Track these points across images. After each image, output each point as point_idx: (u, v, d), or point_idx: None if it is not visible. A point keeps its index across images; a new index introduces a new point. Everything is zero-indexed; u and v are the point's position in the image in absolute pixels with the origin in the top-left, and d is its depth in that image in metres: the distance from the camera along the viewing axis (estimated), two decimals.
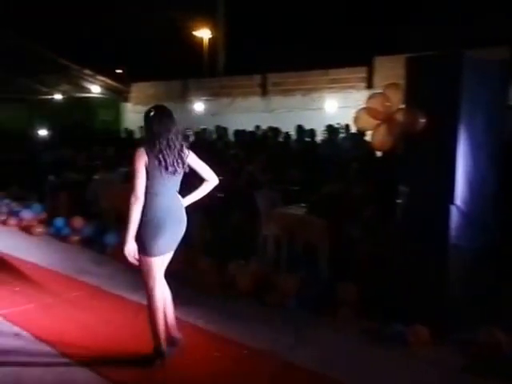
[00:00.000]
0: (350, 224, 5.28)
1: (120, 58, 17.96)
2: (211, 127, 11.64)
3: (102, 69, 15.82)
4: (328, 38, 16.89)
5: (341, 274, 4.96)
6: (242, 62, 16.64)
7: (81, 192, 8.10)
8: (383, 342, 4.03)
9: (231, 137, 10.79)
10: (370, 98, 4.52)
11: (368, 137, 5.35)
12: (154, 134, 3.38)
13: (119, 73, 18.03)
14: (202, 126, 11.83)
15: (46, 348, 3.80)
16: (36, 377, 3.40)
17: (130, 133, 12.72)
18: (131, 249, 3.42)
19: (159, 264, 3.53)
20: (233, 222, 6.30)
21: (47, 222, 7.69)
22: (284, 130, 9.94)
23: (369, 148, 6.07)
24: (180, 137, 3.51)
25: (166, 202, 3.43)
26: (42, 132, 14.50)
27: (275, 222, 5.71)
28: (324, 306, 4.62)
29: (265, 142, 9.75)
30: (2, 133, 15.74)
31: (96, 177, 8.15)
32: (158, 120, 3.42)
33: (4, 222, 8.05)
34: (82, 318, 4.38)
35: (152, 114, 3.46)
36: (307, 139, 9.36)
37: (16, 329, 4.14)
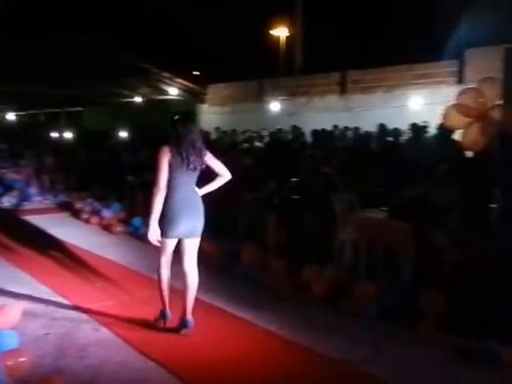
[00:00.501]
0: (435, 230, 5.03)
1: (197, 59, 18.43)
2: (287, 127, 11.62)
3: (179, 71, 16.28)
4: (411, 31, 16.34)
5: (425, 283, 4.71)
6: (319, 59, 16.47)
7: None
8: (473, 361, 3.72)
9: (308, 137, 10.71)
10: (461, 93, 4.28)
11: (457, 136, 5.08)
12: (179, 135, 3.95)
13: (196, 75, 18.47)
14: (278, 126, 11.84)
15: (123, 344, 3.94)
16: (112, 372, 3.52)
17: (204, 134, 12.96)
18: (154, 232, 3.99)
19: (170, 243, 4.11)
20: (308, 224, 6.22)
21: (126, 221, 8.01)
22: (364, 129, 9.71)
23: (458, 148, 5.76)
24: (200, 138, 4.06)
25: (183, 194, 3.98)
26: (123, 134, 15.20)
27: (353, 226, 5.56)
28: (405, 317, 4.40)
29: (343, 141, 9.57)
30: (87, 135, 16.75)
31: None
32: (182, 123, 4.00)
33: (87, 221, 8.50)
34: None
35: (177, 118, 4.03)
36: (389, 139, 9.07)
37: (95, 324, 4.34)
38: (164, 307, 4.26)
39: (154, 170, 3.99)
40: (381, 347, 4.01)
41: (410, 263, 5.02)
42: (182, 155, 3.89)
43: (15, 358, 3.46)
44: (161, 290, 4.26)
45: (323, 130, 10.46)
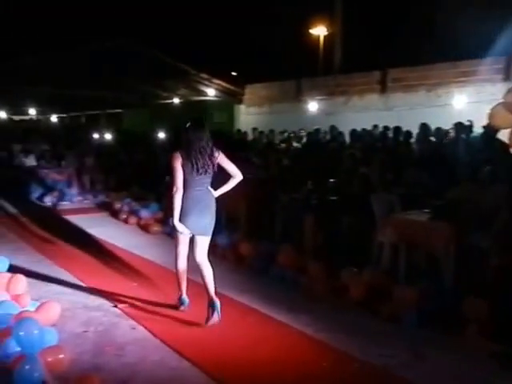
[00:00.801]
0: (479, 232, 4.88)
1: (235, 60, 18.53)
2: (326, 127, 11.52)
3: (217, 72, 16.40)
4: (453, 28, 15.95)
5: (468, 288, 4.58)
6: (358, 58, 16.29)
7: None
8: None
9: (346, 137, 10.60)
10: (509, 91, 4.11)
11: (503, 135, 4.90)
12: (189, 141, 4.27)
13: (234, 75, 18.57)
14: (316, 127, 11.76)
15: (160, 343, 4.00)
16: (149, 371, 3.58)
17: (242, 134, 13.01)
18: (179, 226, 4.38)
19: (183, 240, 4.53)
20: (346, 226, 6.15)
21: (163, 221, 8.12)
22: (405, 128, 9.52)
23: (504, 148, 5.57)
24: (211, 143, 4.33)
25: (194, 195, 4.32)
26: (161, 135, 15.42)
27: (393, 228, 5.44)
28: (446, 323, 4.29)
29: (383, 141, 9.42)
30: (126, 136, 17.09)
31: None
32: (192, 130, 4.29)
33: (125, 221, 8.66)
34: (192, 317, 4.52)
35: (188, 125, 4.34)
36: (432, 138, 8.88)
37: (132, 322, 4.42)
38: (181, 294, 4.70)
39: (170, 173, 4.41)
40: (420, 353, 3.93)
41: (451, 267, 4.90)
42: (192, 161, 4.24)
43: (55, 355, 3.55)
44: (178, 279, 4.68)
45: (363, 129, 10.33)
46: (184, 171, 4.26)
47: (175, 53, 15.17)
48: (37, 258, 6.41)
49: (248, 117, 16.60)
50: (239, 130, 13.63)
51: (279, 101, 15.29)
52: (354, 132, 10.25)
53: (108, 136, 16.22)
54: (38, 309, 4.20)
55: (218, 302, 4.36)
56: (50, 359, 3.47)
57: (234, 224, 7.38)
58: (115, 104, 21.56)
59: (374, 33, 18.88)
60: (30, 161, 11.72)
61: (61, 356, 3.58)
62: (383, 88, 13.40)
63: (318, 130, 11.32)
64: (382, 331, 4.34)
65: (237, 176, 4.53)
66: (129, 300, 4.94)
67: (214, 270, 4.55)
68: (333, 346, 4.01)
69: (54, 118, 27.14)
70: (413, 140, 9.25)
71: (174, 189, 4.29)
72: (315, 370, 3.65)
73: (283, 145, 11.28)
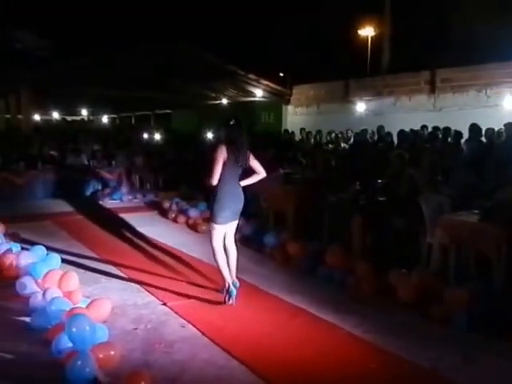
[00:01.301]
0: None
1: (283, 61, 18.48)
2: (374, 128, 11.33)
3: (265, 73, 16.39)
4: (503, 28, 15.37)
5: None
6: (407, 58, 15.94)
7: (243, 192, 8.44)
8: None
9: (394, 137, 10.36)
10: None
11: None
12: (234, 137, 4.68)
13: (281, 76, 18.52)
14: (363, 127, 11.58)
15: (208, 342, 3.99)
16: (198, 369, 3.57)
17: (289, 135, 12.95)
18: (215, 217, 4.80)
19: (221, 230, 4.83)
20: (394, 227, 6.00)
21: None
22: (453, 129, 9.25)
23: None
24: (247, 141, 4.74)
25: (230, 187, 4.70)
26: (209, 135, 15.56)
27: (442, 230, 5.27)
28: (498, 326, 4.13)
29: (433, 142, 9.16)
30: (175, 136, 17.35)
31: None
32: (236, 128, 4.75)
33: (174, 219, 8.75)
34: (241, 316, 4.52)
35: (232, 122, 4.75)
36: (482, 139, 8.57)
37: (181, 320, 4.43)
38: (228, 284, 4.81)
39: (209, 164, 4.68)
40: (471, 356, 3.80)
41: (503, 268, 4.69)
42: (235, 154, 4.62)
43: (106, 351, 3.60)
44: (219, 268, 4.88)
45: (411, 130, 10.08)
46: (225, 164, 4.60)
47: (224, 54, 15.25)
48: (87, 256, 6.52)
49: (295, 117, 16.55)
50: (287, 130, 13.56)
51: (327, 101, 15.18)
52: (401, 132, 10.00)
53: (157, 136, 16.50)
54: (89, 305, 4.27)
55: (237, 283, 4.83)
56: (101, 355, 3.51)
57: (281, 224, 7.34)
58: (164, 104, 21.94)
59: (422, 33, 18.42)
60: (82, 160, 12.01)
61: (112, 352, 3.62)
62: (432, 88, 13.11)
63: (364, 131, 11.14)
64: (431, 333, 4.21)
65: (261, 173, 4.97)
66: (177, 298, 4.96)
67: (261, 269, 4.53)
68: (381, 348, 3.92)
69: (104, 119, 27.94)
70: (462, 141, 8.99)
71: (210, 180, 4.64)
72: (363, 371, 3.58)
73: (331, 145, 11.15)
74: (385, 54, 16.62)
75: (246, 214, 7.65)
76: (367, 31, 18.85)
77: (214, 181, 4.63)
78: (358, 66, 17.95)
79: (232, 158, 4.61)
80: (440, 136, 9.41)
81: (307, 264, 5.86)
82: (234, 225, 4.94)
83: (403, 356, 3.77)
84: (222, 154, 4.58)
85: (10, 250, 5.66)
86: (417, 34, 18.38)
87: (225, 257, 4.89)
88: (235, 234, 5.07)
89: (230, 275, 4.85)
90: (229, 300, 4.76)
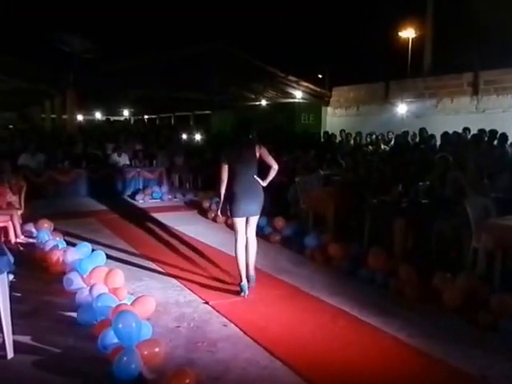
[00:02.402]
0: None
1: (323, 63, 18.37)
2: (415, 129, 11.10)
3: (305, 74, 16.33)
4: None
5: None
6: (449, 60, 15.59)
7: (282, 193, 8.42)
8: None
9: (436, 139, 10.14)
10: None
11: None
12: (237, 136, 5.16)
13: (321, 78, 18.43)
14: (405, 129, 11.38)
15: (250, 342, 3.98)
16: (241, 368, 3.56)
17: (329, 136, 12.83)
18: (222, 211, 5.30)
19: (239, 222, 5.09)
20: (437, 230, 5.86)
21: None
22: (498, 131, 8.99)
23: None
24: (255, 139, 5.13)
25: (241, 183, 4.98)
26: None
27: (488, 234, 5.11)
28: None
29: (477, 144, 8.91)
30: (214, 136, 17.46)
31: (296, 179, 8.40)
32: (239, 127, 5.18)
33: (214, 219, 8.79)
34: (282, 316, 4.49)
35: (237, 125, 5.22)
36: None
37: (223, 320, 4.43)
38: (241, 281, 5.04)
39: (218, 165, 5.20)
40: None
41: None
42: (238, 153, 4.99)
43: (151, 348, 3.62)
44: (237, 262, 5.08)
45: (455, 132, 9.83)
46: (230, 164, 5.00)
47: (264, 56, 15.27)
48: (130, 253, 6.62)
49: (334, 118, 16.43)
50: (326, 132, 13.45)
51: (367, 103, 15.00)
52: (445, 135, 9.77)
53: (197, 136, 16.64)
54: (134, 302, 4.32)
55: (254, 276, 5.13)
56: (146, 352, 3.54)
57: (320, 225, 7.28)
58: (204, 105, 22.13)
59: (465, 34, 17.97)
60: (124, 160, 12.21)
61: (156, 349, 3.64)
62: (475, 90, 12.77)
63: (406, 133, 10.92)
64: (478, 339, 4.08)
65: (273, 166, 5.13)
66: (219, 297, 4.97)
67: (301, 270, 4.49)
68: (425, 352, 3.82)
69: (145, 119, 28.41)
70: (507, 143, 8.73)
71: (219, 180, 5.08)
72: (406, 375, 3.51)
73: (371, 147, 11.00)
74: (426, 55, 16.29)
75: (285, 215, 7.79)
76: (408, 33, 18.54)
77: (223, 180, 5.04)
78: (398, 68, 17.67)
79: (236, 157, 4.99)
80: (485, 138, 9.13)
81: (348, 266, 5.78)
82: (253, 220, 5.14)
83: (449, 362, 3.67)
84: (224, 158, 5.04)
85: (56, 247, 5.81)
86: (459, 35, 17.94)
87: (244, 253, 5.09)
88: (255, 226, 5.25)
89: (245, 271, 5.07)
90: (240, 293, 5.00)
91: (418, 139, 10.62)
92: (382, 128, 12.29)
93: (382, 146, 10.93)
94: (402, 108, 13.60)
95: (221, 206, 5.28)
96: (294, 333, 4.13)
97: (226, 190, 5.06)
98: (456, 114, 12.51)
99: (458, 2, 17.94)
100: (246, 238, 5.12)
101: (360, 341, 4.00)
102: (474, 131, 9.75)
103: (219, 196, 5.19)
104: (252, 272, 5.13)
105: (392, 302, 4.83)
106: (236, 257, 5.08)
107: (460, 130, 10.11)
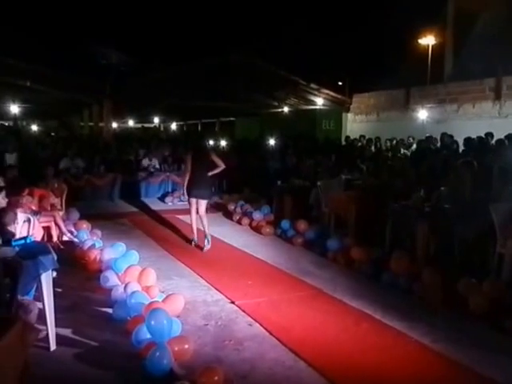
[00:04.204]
0: None
1: (343, 70, 18.27)
2: (435, 135, 10.90)
3: (325, 82, 16.25)
4: None
5: None
6: (470, 66, 15.27)
7: (304, 197, 8.37)
8: None
9: (458, 144, 9.91)
10: None
11: None
12: (194, 143, 8.05)
13: (341, 85, 18.32)
14: (424, 134, 11.18)
15: (276, 342, 3.93)
16: (267, 368, 3.52)
17: (351, 142, 12.71)
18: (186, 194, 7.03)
19: (192, 202, 6.99)
20: (460, 235, 5.71)
21: (274, 223, 8.12)
22: None
23: None
24: (208, 145, 7.83)
25: (196, 175, 6.88)
26: (271, 141, 15.56)
27: None
28: None
29: (499, 150, 8.68)
30: (238, 142, 17.49)
31: (318, 183, 8.33)
32: (198, 137, 8.52)
33: (239, 221, 8.77)
34: (306, 318, 4.43)
35: (198, 135, 9.00)
36: None
37: (249, 319, 4.40)
38: (193, 237, 7.10)
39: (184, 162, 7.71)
40: None
41: None
42: (196, 155, 6.96)
43: (180, 345, 3.63)
44: (191, 224, 7.10)
45: (478, 137, 9.59)
46: (191, 161, 6.89)
47: (287, 65, 15.25)
48: (160, 253, 6.66)
49: (355, 124, 16.29)
50: (348, 137, 13.32)
51: (387, 109, 14.83)
52: (468, 140, 9.54)
53: (222, 142, 16.69)
54: (164, 300, 4.33)
55: (209, 236, 6.89)
56: (176, 348, 3.54)
57: (342, 228, 7.19)
58: (229, 112, 22.25)
59: (486, 40, 17.61)
60: (154, 164, 12.32)
61: (186, 346, 3.65)
62: (497, 95, 12.42)
63: (430, 138, 10.65)
64: (504, 346, 3.94)
65: (221, 166, 7.05)
66: (244, 297, 4.94)
67: (324, 272, 4.77)
68: (450, 358, 3.70)
69: (173, 126, 28.68)
70: None
71: (184, 171, 7.15)
72: (431, 380, 3.42)
73: (391, 152, 10.85)
74: (447, 61, 16.02)
75: (307, 218, 7.74)
76: (428, 40, 18.27)
77: (187, 171, 6.94)
78: (418, 75, 17.43)
79: (193, 157, 6.91)
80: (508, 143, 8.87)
81: (371, 269, 5.68)
82: (202, 202, 6.99)
83: (475, 368, 3.54)
84: (189, 155, 7.02)
85: (94, 246, 5.91)
86: (479, 41, 17.60)
87: (195, 220, 7.04)
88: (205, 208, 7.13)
89: (196, 231, 7.05)
90: (191, 243, 7.06)
91: (439, 144, 10.41)
92: (403, 133, 12.10)
93: (402, 151, 10.76)
94: (422, 114, 13.37)
95: (184, 188, 7.03)
96: (318, 334, 4.07)
97: (188, 179, 6.91)
98: (478, 119, 12.20)
99: (478, 8, 17.60)
100: (199, 215, 6.98)
101: (384, 344, 3.92)
102: (496, 136, 9.50)
103: (183, 182, 7.09)
104: (209, 235, 6.91)
105: (415, 307, 4.72)
106: (191, 220, 7.09)
107: (482, 135, 9.87)
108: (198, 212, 6.97)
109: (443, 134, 10.43)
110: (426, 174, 7.45)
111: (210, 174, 6.99)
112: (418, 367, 3.57)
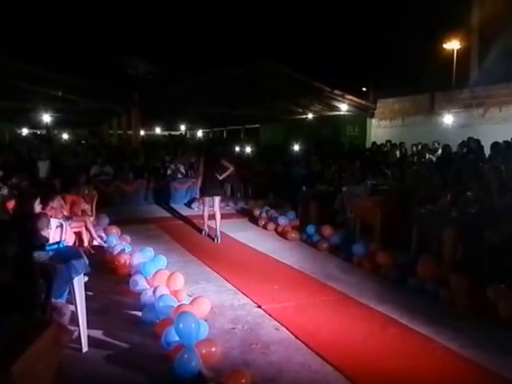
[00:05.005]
0: None
1: (367, 76, 18.12)
2: (460, 139, 10.68)
3: (350, 88, 16.15)
4: None
5: None
6: (495, 70, 14.96)
7: (329, 202, 8.32)
8: None
9: (484, 149, 9.71)
10: None
11: None
12: (207, 151, 8.80)
13: (365, 91, 18.17)
14: (450, 139, 10.98)
15: (302, 346, 3.92)
16: (294, 372, 3.51)
17: (378, 146, 12.58)
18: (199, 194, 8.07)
19: (205, 200, 7.99)
20: (489, 240, 5.58)
21: (299, 229, 8.10)
22: None
23: None
24: (219, 154, 8.55)
25: (208, 176, 7.84)
26: (295, 147, 15.56)
27: None
28: None
29: None
30: (263, 148, 17.54)
31: (343, 189, 8.28)
32: (210, 147, 9.82)
33: (264, 227, 8.78)
34: (332, 323, 4.40)
35: (210, 144, 11.51)
36: None
37: (275, 323, 4.39)
38: (204, 228, 8.14)
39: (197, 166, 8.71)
40: None
41: None
42: (208, 160, 7.98)
43: (208, 347, 3.65)
44: (203, 219, 8.15)
45: (505, 142, 9.36)
46: (204, 165, 7.89)
47: (311, 71, 15.23)
48: (188, 258, 6.71)
49: (379, 130, 16.13)
50: (374, 143, 13.17)
51: (412, 114, 14.63)
52: (495, 145, 9.32)
53: (247, 148, 16.76)
54: (191, 303, 4.37)
55: (220, 235, 7.75)
56: (204, 351, 3.56)
57: (367, 233, 7.12)
58: (253, 119, 22.32)
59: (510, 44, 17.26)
60: (180, 170, 12.45)
61: (213, 349, 3.67)
62: None
63: (462, 143, 10.37)
64: None
65: (229, 168, 8.07)
66: (271, 301, 4.93)
67: (349, 277, 4.87)
68: (479, 364, 3.63)
69: (199, 133, 28.92)
70: None
71: (197, 174, 8.28)
72: None
73: (416, 157, 10.70)
74: (472, 65, 15.73)
75: (332, 223, 7.70)
76: (453, 44, 18.00)
77: (200, 174, 7.93)
78: (442, 80, 17.19)
79: (208, 162, 7.92)
80: None
81: (397, 274, 5.61)
82: (216, 198, 7.94)
83: (504, 375, 3.46)
84: (202, 160, 8.04)
85: (123, 251, 5.99)
86: (505, 44, 17.25)
87: (207, 216, 8.07)
88: (219, 203, 8.12)
89: (207, 226, 8.11)
90: (201, 232, 8.20)
91: (465, 149, 10.21)
92: (428, 138, 11.92)
93: (427, 156, 10.60)
94: (447, 118, 13.15)
95: (198, 189, 8.01)
96: (345, 339, 4.04)
97: (201, 181, 7.88)
98: (505, 123, 11.91)
99: (503, 11, 17.28)
100: (214, 210, 7.91)
101: (411, 349, 3.86)
102: None
103: (197, 184, 8.06)
104: (218, 232, 7.79)
105: (442, 312, 4.65)
106: (202, 214, 8.15)
107: (509, 140, 9.64)
108: (213, 207, 7.95)
109: (469, 139, 10.22)
110: (453, 179, 7.31)
111: (222, 176, 8.00)
112: (446, 373, 3.51)
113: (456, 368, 3.58)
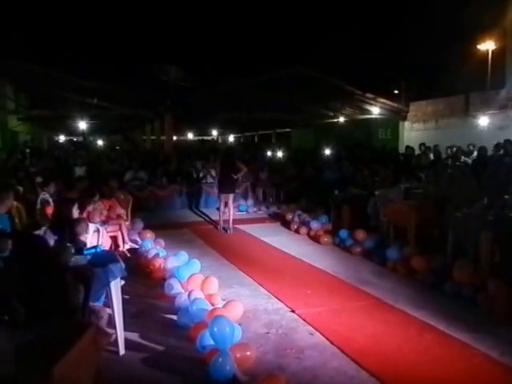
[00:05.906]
0: None
1: (399, 78, 17.86)
2: (496, 141, 10.37)
3: (381, 91, 15.94)
4: None
5: None
6: None
7: (362, 206, 8.21)
8: None
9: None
10: None
11: None
12: (225, 157, 9.52)
13: (397, 93, 17.90)
14: (485, 141, 10.67)
15: (337, 351, 3.88)
16: (329, 377, 3.47)
17: (410, 150, 12.35)
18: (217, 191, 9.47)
19: (221, 197, 9.12)
20: None
21: (332, 233, 8.02)
22: None
23: None
24: (233, 157, 9.73)
25: (224, 176, 8.98)
26: (327, 151, 15.44)
27: None
28: None
29: None
30: (295, 153, 17.50)
31: (376, 192, 8.16)
32: (225, 150, 11.58)
33: (296, 231, 8.74)
34: (367, 328, 4.33)
35: (224, 149, 11.96)
36: None
37: (309, 328, 4.35)
38: (219, 223, 9.15)
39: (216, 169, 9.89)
40: None
41: None
42: (224, 163, 9.11)
43: (243, 351, 3.64)
44: (219, 214, 9.24)
45: None
46: (220, 167, 9.07)
47: (342, 75, 15.11)
48: (221, 262, 6.73)
49: (412, 133, 15.84)
50: (408, 147, 12.93)
51: (446, 116, 14.31)
52: None
53: (278, 153, 16.73)
54: (225, 306, 4.38)
55: (231, 229, 8.81)
56: (238, 355, 3.56)
57: (401, 238, 6.99)
58: (284, 124, 22.30)
59: None
60: (212, 174, 12.51)
61: (248, 353, 3.66)
62: None
63: (497, 146, 10.10)
64: None
65: (243, 169, 9.27)
66: (304, 306, 4.90)
67: (384, 282, 4.90)
68: None
69: (231, 138, 29.11)
70: None
71: (218, 176, 9.29)
72: None
73: (451, 160, 10.45)
74: (508, 66, 15.27)
75: (366, 228, 7.60)
76: (487, 45, 17.56)
77: (218, 175, 9.20)
78: (477, 81, 16.79)
79: (224, 165, 9.01)
80: None
81: (433, 279, 5.49)
82: (230, 195, 8.99)
83: None
84: (218, 164, 9.26)
85: (158, 255, 6.05)
86: None
87: (222, 212, 9.11)
88: (232, 201, 9.14)
89: (222, 221, 9.08)
90: (217, 227, 9.23)
91: (501, 151, 9.91)
92: (463, 141, 11.63)
93: (463, 158, 10.34)
94: (483, 120, 12.80)
95: (216, 187, 9.54)
96: (380, 344, 3.97)
97: (218, 180, 9.17)
98: None
99: None
100: (228, 206, 8.96)
101: (449, 356, 3.76)
102: None
103: (216, 183, 9.49)
104: (231, 225, 8.87)
105: (481, 318, 4.52)
106: (219, 211, 9.22)
107: None
108: (226, 205, 9.01)
109: (506, 141, 9.91)
110: (489, 182, 7.11)
111: (237, 175, 9.16)
112: (486, 381, 3.40)
113: (495, 376, 3.48)
